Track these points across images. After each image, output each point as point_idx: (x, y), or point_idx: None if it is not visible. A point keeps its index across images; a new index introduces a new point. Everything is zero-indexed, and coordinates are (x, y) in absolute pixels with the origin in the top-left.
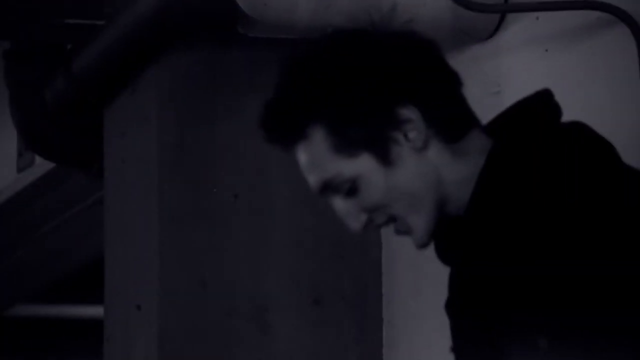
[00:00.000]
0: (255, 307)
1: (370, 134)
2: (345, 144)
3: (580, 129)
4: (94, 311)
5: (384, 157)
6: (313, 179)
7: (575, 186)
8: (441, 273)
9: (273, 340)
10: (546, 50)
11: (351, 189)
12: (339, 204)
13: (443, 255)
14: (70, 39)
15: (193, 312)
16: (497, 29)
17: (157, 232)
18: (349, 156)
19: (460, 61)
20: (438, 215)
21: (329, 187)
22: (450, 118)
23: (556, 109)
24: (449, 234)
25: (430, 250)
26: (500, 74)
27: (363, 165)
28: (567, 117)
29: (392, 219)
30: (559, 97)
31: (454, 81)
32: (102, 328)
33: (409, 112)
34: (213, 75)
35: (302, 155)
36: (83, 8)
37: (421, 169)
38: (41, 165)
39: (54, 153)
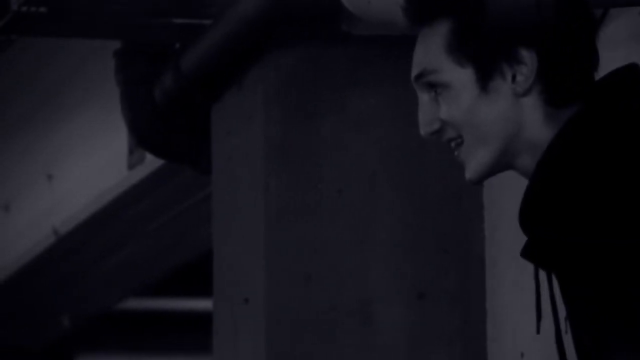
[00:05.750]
0: (359, 300)
1: (485, 55)
2: (460, 50)
3: None
4: (203, 304)
5: (484, 83)
6: (416, 64)
7: None
8: None
9: (377, 334)
10: None
11: (439, 93)
12: (424, 101)
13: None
14: (178, 39)
15: (298, 305)
16: (599, 24)
17: (263, 227)
18: (456, 62)
19: None
20: (498, 163)
21: (422, 78)
22: (564, 84)
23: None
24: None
25: None
26: (601, 69)
27: (462, 77)
28: None
29: (460, 142)
30: None
31: (590, 59)
32: (210, 321)
33: (528, 56)
34: (316, 73)
35: (420, 40)
36: (190, 8)
37: (508, 113)
38: (151, 163)
39: (163, 150)
